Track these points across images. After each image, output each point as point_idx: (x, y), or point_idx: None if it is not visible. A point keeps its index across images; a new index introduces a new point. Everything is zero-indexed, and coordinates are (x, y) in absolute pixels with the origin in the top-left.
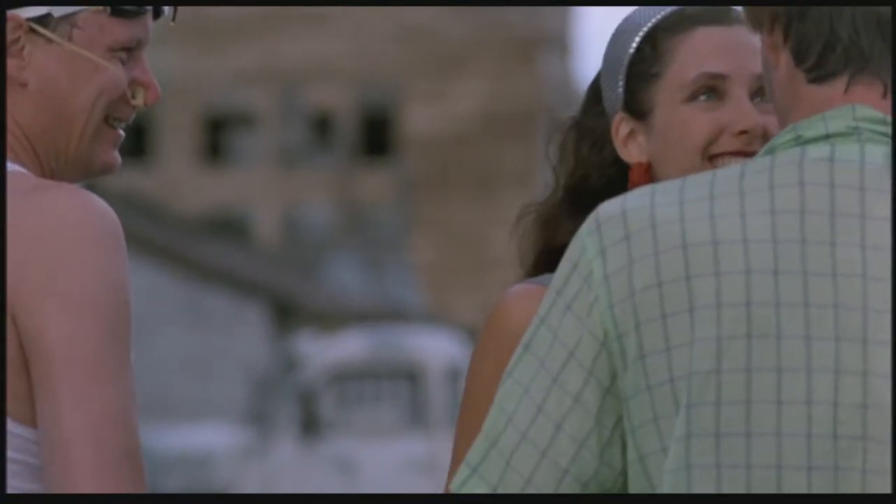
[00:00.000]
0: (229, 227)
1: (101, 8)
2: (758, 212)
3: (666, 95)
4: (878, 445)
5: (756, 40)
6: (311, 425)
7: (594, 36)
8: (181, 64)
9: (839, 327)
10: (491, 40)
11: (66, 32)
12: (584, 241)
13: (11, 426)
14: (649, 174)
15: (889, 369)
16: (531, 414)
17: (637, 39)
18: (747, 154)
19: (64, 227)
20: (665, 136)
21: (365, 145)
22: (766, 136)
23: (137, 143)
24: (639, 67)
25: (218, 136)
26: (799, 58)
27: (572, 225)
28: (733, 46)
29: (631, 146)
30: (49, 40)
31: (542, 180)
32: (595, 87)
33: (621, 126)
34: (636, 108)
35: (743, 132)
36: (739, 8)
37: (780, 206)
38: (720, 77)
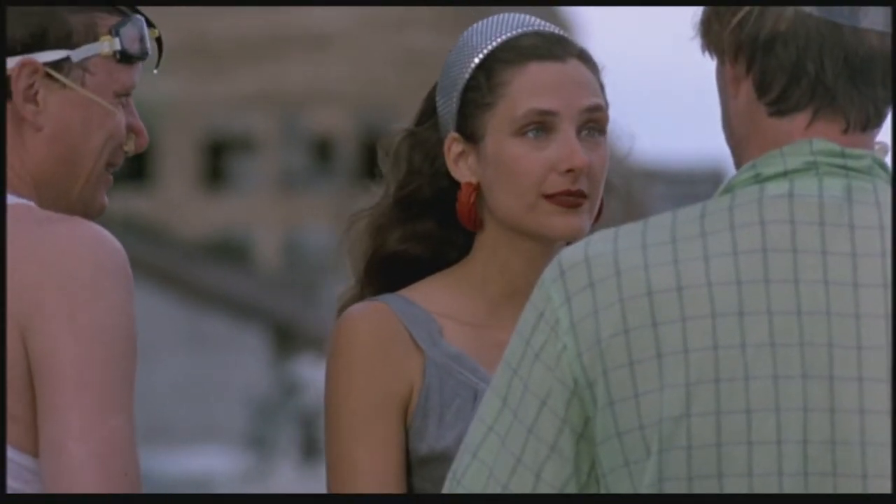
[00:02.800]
0: (230, 251)
1: (110, 54)
2: (720, 254)
3: (497, 126)
4: (848, 480)
5: (588, 74)
6: (311, 449)
7: (597, 58)
8: (182, 88)
9: (805, 365)
10: None
11: (79, 77)
12: (549, 289)
13: (10, 452)
14: (477, 194)
15: (857, 404)
16: (510, 466)
17: (472, 66)
18: (572, 193)
19: (79, 257)
20: (495, 167)
21: (365, 169)
22: (589, 175)
23: (138, 167)
24: (472, 95)
25: (219, 159)
26: (761, 90)
27: (402, 232)
28: (565, 82)
29: (461, 166)
30: (63, 85)
31: None
32: (431, 99)
33: (453, 146)
34: (468, 132)
35: (569, 171)
36: (564, 34)
37: (743, 246)
38: (549, 113)
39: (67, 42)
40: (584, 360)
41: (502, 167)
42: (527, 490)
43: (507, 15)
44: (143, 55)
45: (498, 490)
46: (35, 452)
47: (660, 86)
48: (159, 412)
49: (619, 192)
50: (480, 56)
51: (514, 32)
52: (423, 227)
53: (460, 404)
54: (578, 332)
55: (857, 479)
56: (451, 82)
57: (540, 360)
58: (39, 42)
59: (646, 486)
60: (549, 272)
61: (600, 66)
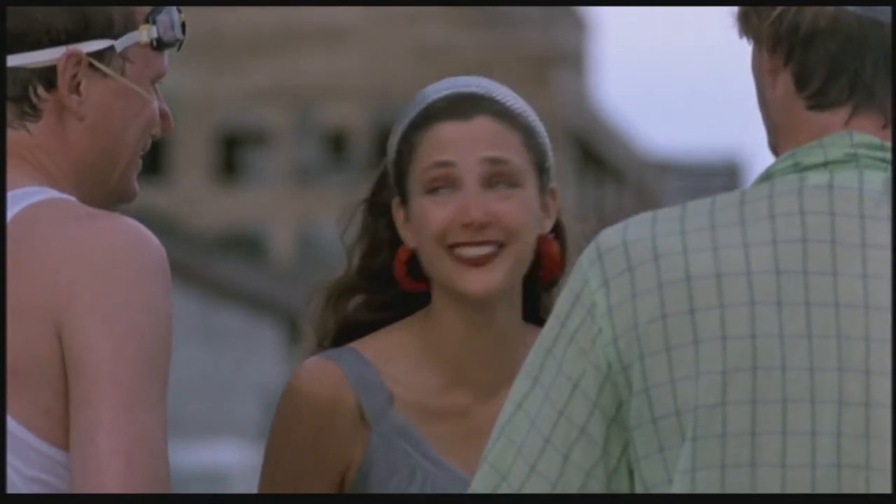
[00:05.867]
0: (244, 245)
1: (147, 42)
2: (760, 242)
3: (413, 187)
4: (880, 475)
5: (499, 129)
6: None
7: (611, 53)
8: (196, 81)
9: (842, 358)
10: (506, 58)
11: (119, 67)
12: (587, 272)
13: (42, 446)
14: (409, 256)
15: (891, 399)
16: (539, 446)
17: (398, 135)
18: (476, 243)
19: (117, 255)
20: (416, 225)
21: (380, 163)
22: (500, 224)
23: (152, 161)
24: (397, 162)
25: (233, 153)
26: (800, 84)
27: (368, 300)
28: (465, 137)
29: (405, 230)
30: (105, 75)
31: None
32: (384, 169)
33: (397, 211)
34: (402, 197)
35: (468, 224)
36: (488, 94)
37: (782, 235)
38: (447, 164)
39: (109, 31)
40: (620, 344)
41: (417, 223)
42: (555, 470)
43: (442, 82)
44: (175, 42)
45: (525, 469)
46: (68, 447)
47: (674, 79)
48: (173, 406)
49: (632, 185)
50: (405, 123)
51: (432, 98)
52: (391, 294)
53: (398, 482)
54: (615, 317)
55: (887, 474)
56: (390, 149)
57: (575, 343)
58: (84, 32)
59: (680, 473)
60: (587, 256)
61: (530, 126)
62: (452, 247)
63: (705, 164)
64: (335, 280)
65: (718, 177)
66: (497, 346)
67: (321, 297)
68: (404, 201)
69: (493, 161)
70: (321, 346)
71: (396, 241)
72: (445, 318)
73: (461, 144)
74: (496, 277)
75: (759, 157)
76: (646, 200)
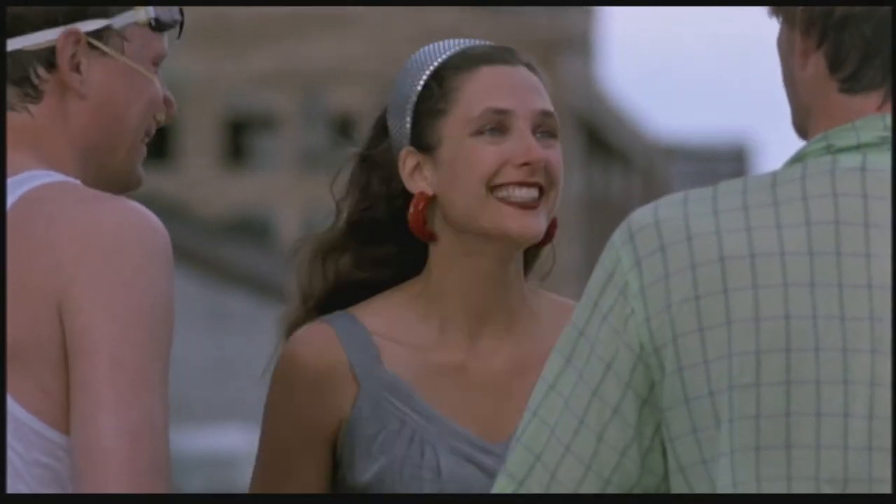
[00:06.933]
0: (251, 230)
1: (145, 21)
2: (793, 224)
3: (453, 130)
4: None
5: (538, 81)
6: None
7: (618, 38)
8: (203, 66)
9: (875, 339)
10: (512, 43)
11: (118, 46)
12: (619, 252)
13: (42, 428)
14: (431, 206)
15: None
16: (573, 427)
17: (423, 78)
18: (528, 184)
19: (120, 237)
20: (453, 168)
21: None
22: (547, 169)
23: (159, 145)
24: (426, 105)
25: (240, 138)
26: (834, 67)
27: (356, 257)
28: (517, 84)
29: (417, 178)
30: (104, 53)
31: (564, 185)
32: (382, 123)
33: (408, 159)
34: (423, 143)
35: (525, 164)
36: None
37: (815, 217)
38: (504, 112)
39: (105, 12)
40: (653, 325)
41: (458, 165)
42: (589, 451)
43: (451, 40)
44: (174, 23)
45: (560, 450)
46: (68, 430)
47: (682, 63)
48: (180, 391)
49: (639, 170)
50: (432, 68)
51: (461, 46)
52: (384, 250)
53: (385, 436)
54: (648, 297)
55: None
56: (403, 99)
57: (607, 323)
58: (80, 13)
59: (722, 455)
60: (619, 234)
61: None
62: (497, 187)
63: (713, 149)
64: (321, 235)
65: (726, 161)
66: (498, 300)
67: (307, 254)
68: (427, 148)
69: (546, 114)
70: (305, 306)
71: (392, 196)
72: (453, 271)
73: (516, 91)
74: (539, 222)
75: (768, 141)
76: (653, 185)
